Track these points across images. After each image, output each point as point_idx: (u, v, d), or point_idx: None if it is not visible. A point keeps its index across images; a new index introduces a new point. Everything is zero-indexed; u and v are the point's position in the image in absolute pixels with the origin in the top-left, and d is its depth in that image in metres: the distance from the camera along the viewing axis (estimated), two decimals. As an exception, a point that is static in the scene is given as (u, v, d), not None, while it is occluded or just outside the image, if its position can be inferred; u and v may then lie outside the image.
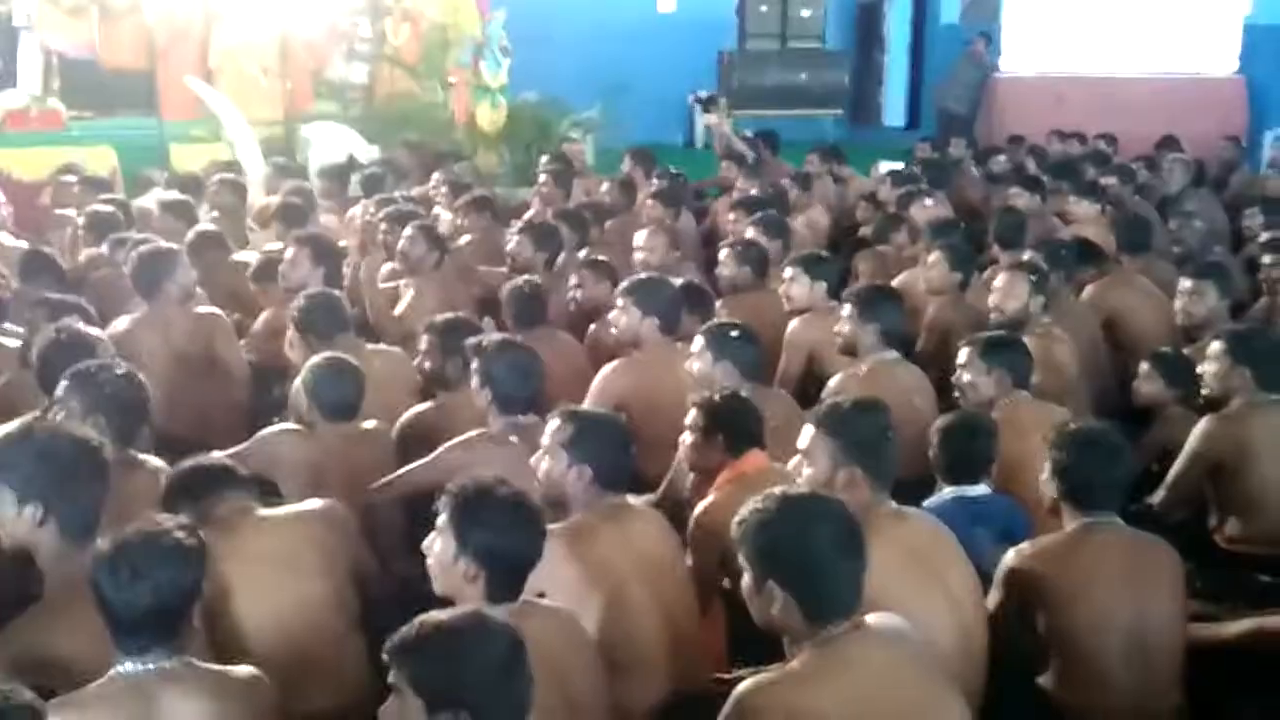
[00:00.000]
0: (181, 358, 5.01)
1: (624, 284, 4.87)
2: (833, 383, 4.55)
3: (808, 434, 3.19)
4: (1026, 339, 4.42)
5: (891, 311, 4.65)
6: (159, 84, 10.66)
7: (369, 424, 4.13)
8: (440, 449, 3.89)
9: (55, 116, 10.07)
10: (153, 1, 10.82)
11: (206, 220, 7.05)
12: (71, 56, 10.64)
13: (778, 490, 2.61)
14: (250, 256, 6.46)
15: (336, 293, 5.01)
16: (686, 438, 3.70)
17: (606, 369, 4.65)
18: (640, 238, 6.20)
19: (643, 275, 4.99)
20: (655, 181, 8.09)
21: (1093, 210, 7.31)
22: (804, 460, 3.18)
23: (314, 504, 3.42)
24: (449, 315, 4.82)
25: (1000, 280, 5.04)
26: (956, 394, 4.26)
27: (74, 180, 7.78)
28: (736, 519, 2.58)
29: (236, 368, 5.19)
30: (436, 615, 2.27)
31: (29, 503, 2.87)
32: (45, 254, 5.85)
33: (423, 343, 4.67)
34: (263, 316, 5.66)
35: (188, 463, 3.35)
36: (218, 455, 3.50)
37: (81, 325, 4.25)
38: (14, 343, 4.70)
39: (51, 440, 2.98)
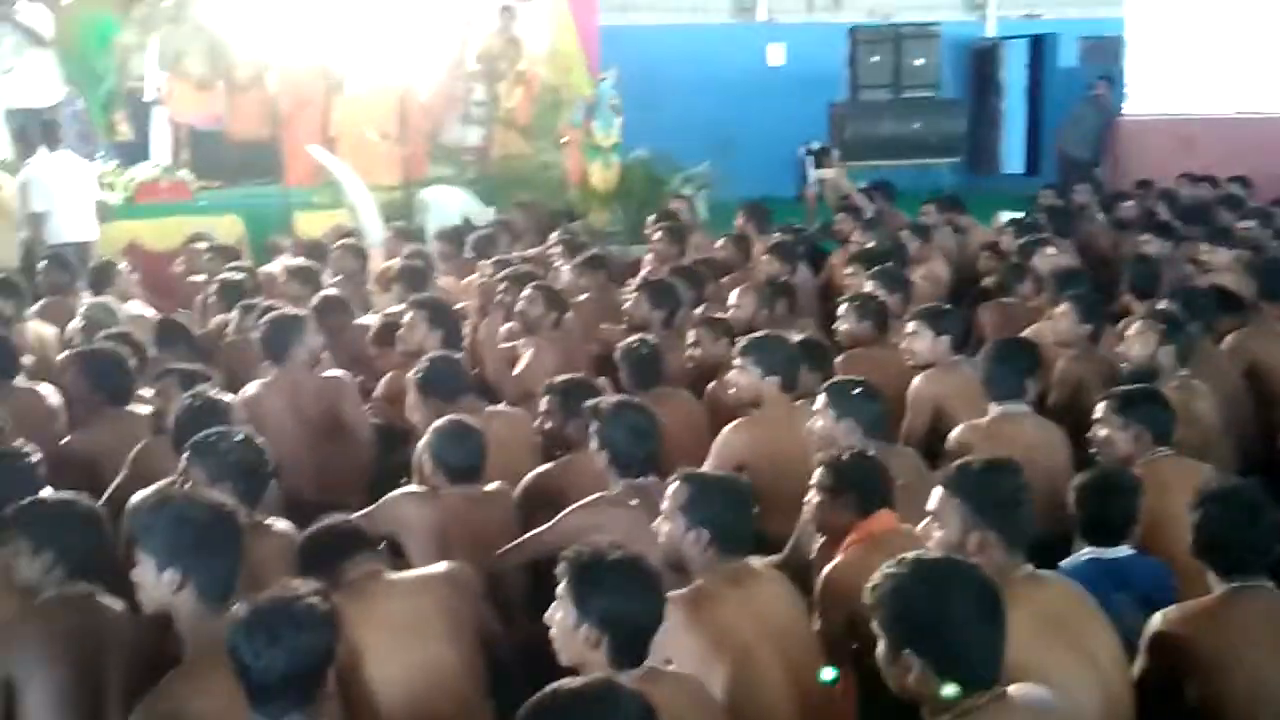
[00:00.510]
0: (308, 421, 5.09)
1: (742, 342, 4.83)
2: (955, 435, 4.45)
3: (937, 496, 3.11)
4: (1165, 391, 4.26)
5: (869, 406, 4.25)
6: (283, 152, 11.02)
7: (492, 486, 4.15)
8: (563, 513, 3.88)
9: (184, 187, 10.43)
10: (276, 73, 11.24)
11: (330, 285, 7.22)
12: (200, 128, 11.06)
13: (911, 554, 2.54)
14: (372, 320, 6.59)
15: (456, 355, 5.07)
16: (812, 497, 3.63)
17: (726, 429, 4.61)
18: (733, 295, 6.19)
19: (761, 333, 4.95)
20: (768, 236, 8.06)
21: (1228, 256, 7.07)
22: (934, 522, 3.10)
23: (441, 567, 3.44)
24: (568, 376, 4.84)
25: (1132, 330, 4.89)
26: (1094, 450, 4.12)
27: (204, 248, 8.03)
28: (869, 584, 2.51)
29: (361, 430, 5.26)
30: (568, 683, 2.25)
31: (167, 568, 2.93)
32: (178, 322, 6.03)
33: (543, 404, 4.69)
34: (384, 380, 5.75)
35: (320, 526, 3.40)
36: (347, 518, 3.55)
37: (214, 392, 4.34)
38: (147, 409, 4.84)
39: (187, 507, 3.05)
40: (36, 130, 8.70)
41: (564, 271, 7.41)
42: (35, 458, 3.80)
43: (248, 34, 11.23)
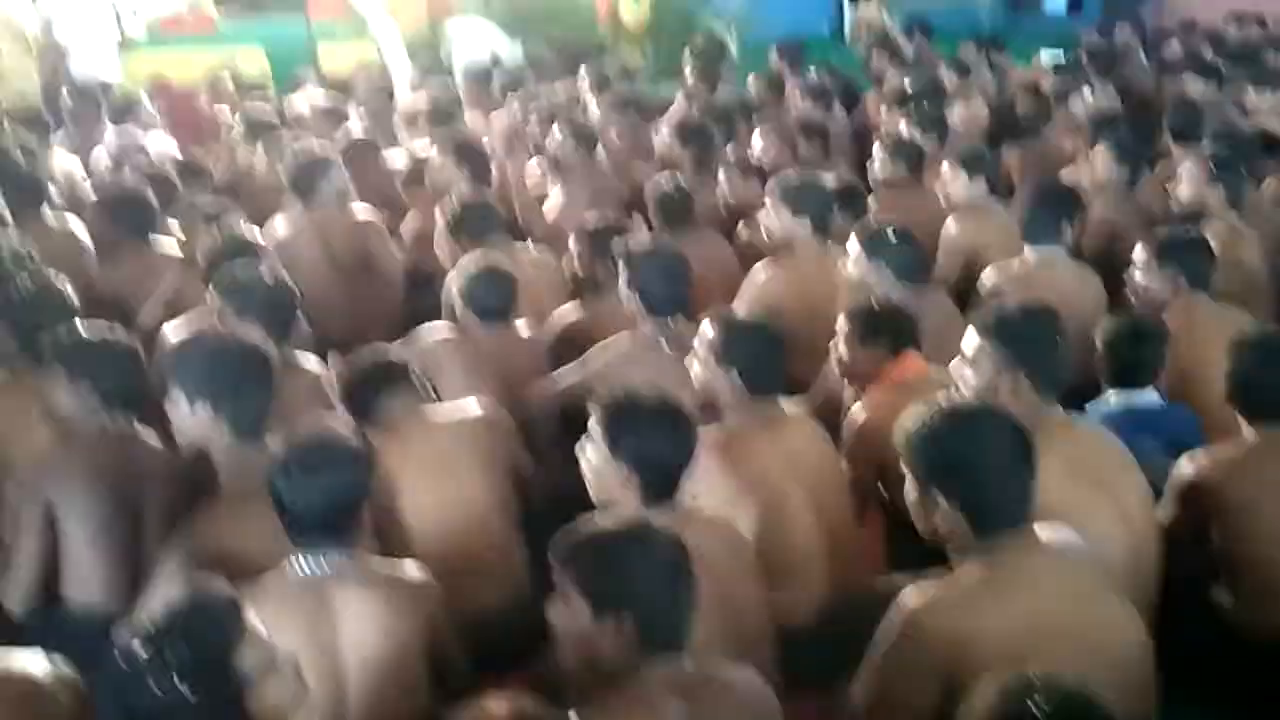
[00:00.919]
0: (337, 260, 5.09)
1: (774, 184, 4.76)
2: (989, 280, 4.41)
3: (971, 340, 3.08)
4: (1208, 236, 4.17)
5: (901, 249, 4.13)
6: (307, -16, 10.77)
7: (521, 326, 4.15)
8: (590, 352, 3.88)
9: (207, 19, 10.25)
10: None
11: (356, 122, 7.13)
12: (222, -41, 10.82)
13: (943, 399, 2.53)
14: (399, 157, 6.52)
15: (486, 194, 5.01)
16: (840, 342, 3.62)
17: (757, 271, 4.58)
18: (764, 136, 6.07)
19: (793, 175, 4.87)
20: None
21: (1275, 100, 6.86)
22: (967, 366, 3.08)
23: (474, 406, 3.46)
24: (598, 217, 4.80)
25: (1181, 170, 4.77)
26: (1132, 297, 4.07)
27: (228, 81, 7.92)
28: (901, 428, 2.51)
29: (390, 270, 5.25)
30: (602, 520, 2.28)
31: (199, 402, 2.96)
32: (202, 158, 5.98)
33: (572, 244, 4.66)
34: (412, 220, 5.71)
35: (360, 359, 3.43)
36: (386, 351, 3.56)
37: (241, 228, 4.33)
38: (173, 245, 4.84)
39: (217, 343, 3.07)
40: (57, -39, 8.51)
41: (593, 109, 7.28)
42: (68, 289, 3.81)
43: None
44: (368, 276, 5.17)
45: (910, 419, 2.49)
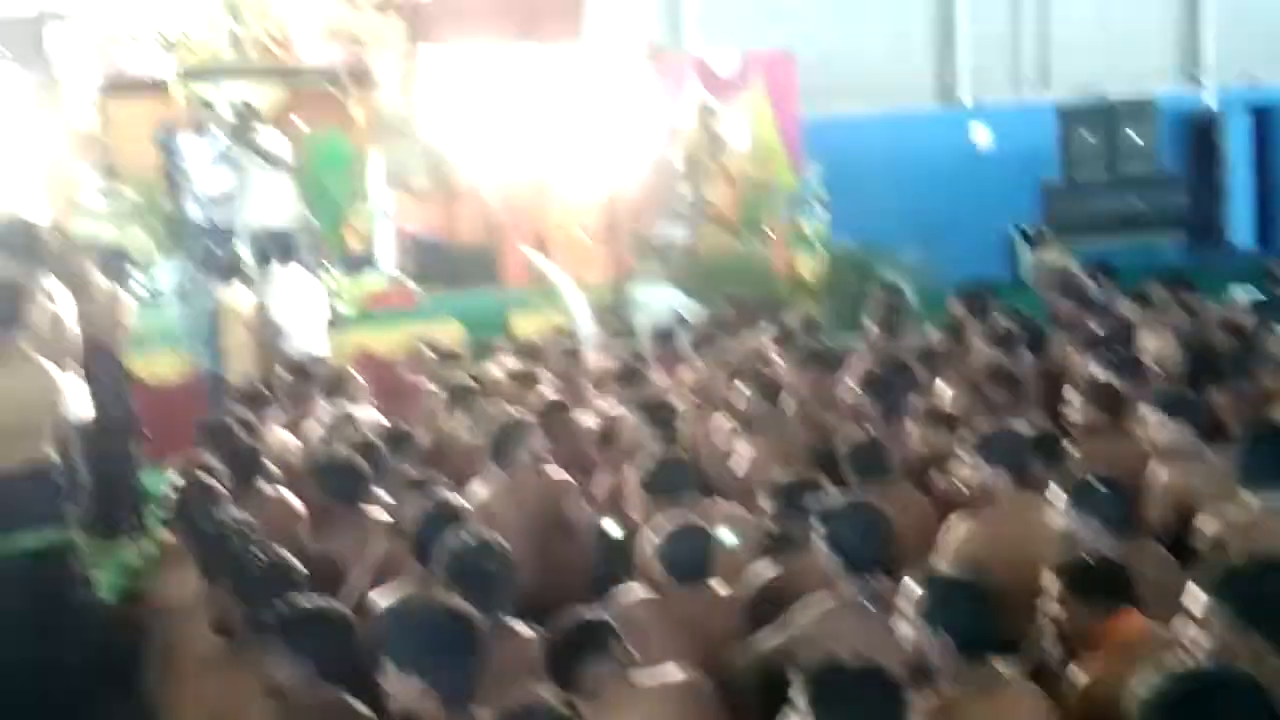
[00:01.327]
0: (533, 522, 5.18)
1: (969, 435, 4.71)
2: (1207, 529, 4.20)
3: (1197, 597, 2.92)
4: None
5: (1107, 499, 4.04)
6: (499, 256, 11.44)
7: (719, 586, 4.12)
8: (790, 612, 3.82)
9: (408, 295, 10.90)
10: (491, 180, 11.73)
11: (547, 386, 7.38)
12: (422, 238, 11.59)
13: (1177, 665, 2.39)
14: (589, 418, 6.70)
15: (680, 452, 5.09)
16: (1052, 599, 3.48)
17: (956, 524, 4.47)
18: (950, 384, 6.03)
19: (988, 425, 4.81)
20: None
21: None
22: (1195, 626, 2.91)
23: (675, 670, 3.41)
24: (788, 472, 4.80)
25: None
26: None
27: (430, 353, 8.34)
28: (1133, 696, 2.37)
29: (585, 530, 5.32)
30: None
31: (411, 673, 3.00)
32: (407, 428, 6.26)
33: (763, 501, 4.66)
34: (604, 479, 5.81)
35: (563, 626, 3.45)
36: (587, 615, 3.57)
37: (448, 495, 4.47)
38: (383, 513, 5.03)
39: (426, 610, 3.13)
40: (274, 248, 9.25)
41: (778, 365, 7.39)
42: (291, 560, 3.97)
43: (465, 145, 11.78)
44: (562, 536, 5.25)
45: (1143, 686, 2.36)
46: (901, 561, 3.74)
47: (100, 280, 7.34)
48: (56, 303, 5.59)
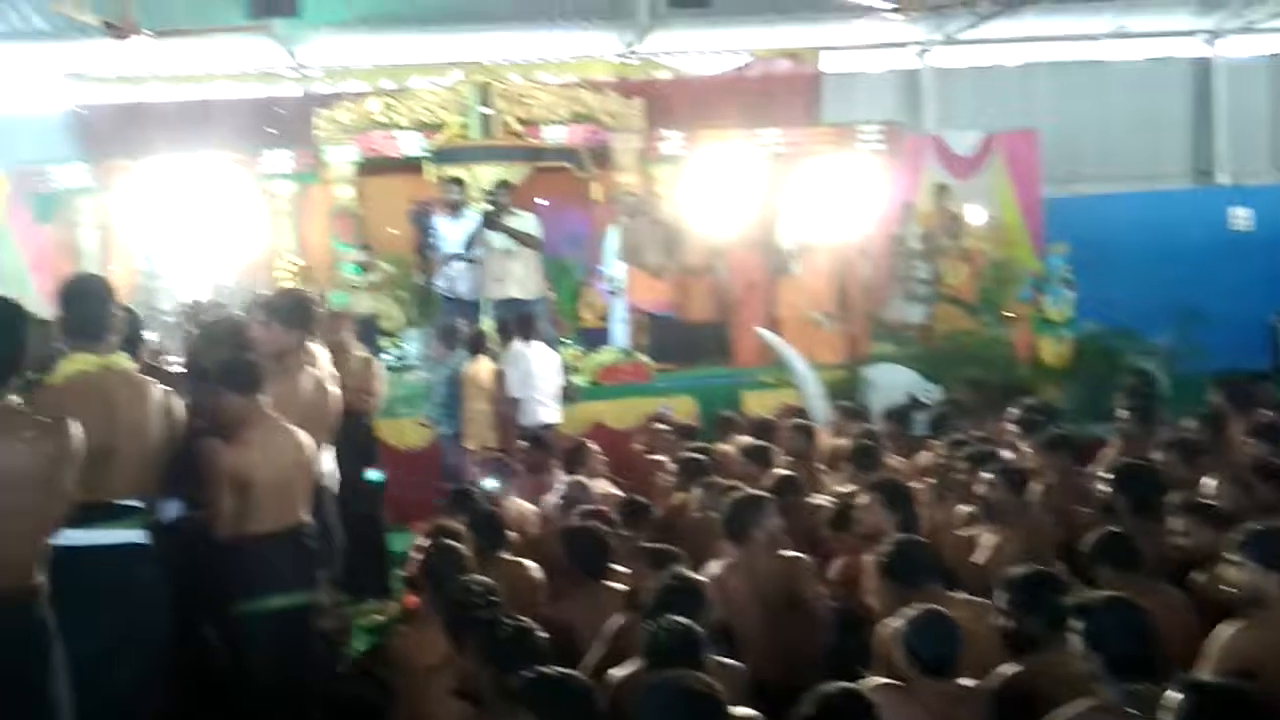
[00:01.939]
0: (767, 601, 5.14)
1: (1238, 534, 4.41)
2: None
3: None
4: None
5: None
6: (732, 334, 11.51)
7: (966, 681, 3.97)
8: (1051, 717, 3.63)
9: (643, 369, 11.06)
10: (725, 260, 11.85)
11: (781, 464, 7.33)
12: (656, 314, 11.77)
13: None
14: (822, 499, 6.61)
15: (923, 540, 4.96)
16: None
17: (1226, 629, 4.18)
18: (1212, 479, 5.68)
19: (1260, 525, 4.49)
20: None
21: None
22: None
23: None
24: (1031, 566, 4.60)
25: None
26: None
27: (666, 427, 8.43)
28: None
29: (819, 611, 5.23)
30: None
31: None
32: (643, 500, 6.32)
33: (1000, 596, 4.47)
34: (839, 562, 5.72)
35: (823, 697, 3.37)
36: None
37: (688, 572, 4.48)
38: (621, 585, 5.07)
39: (675, 691, 3.12)
40: (515, 322, 9.56)
41: (1024, 451, 7.14)
42: (536, 629, 4.03)
43: (699, 223, 11.95)
44: (796, 617, 5.17)
45: None
46: (1163, 665, 3.52)
47: (357, 348, 7.73)
48: (320, 368, 5.89)
